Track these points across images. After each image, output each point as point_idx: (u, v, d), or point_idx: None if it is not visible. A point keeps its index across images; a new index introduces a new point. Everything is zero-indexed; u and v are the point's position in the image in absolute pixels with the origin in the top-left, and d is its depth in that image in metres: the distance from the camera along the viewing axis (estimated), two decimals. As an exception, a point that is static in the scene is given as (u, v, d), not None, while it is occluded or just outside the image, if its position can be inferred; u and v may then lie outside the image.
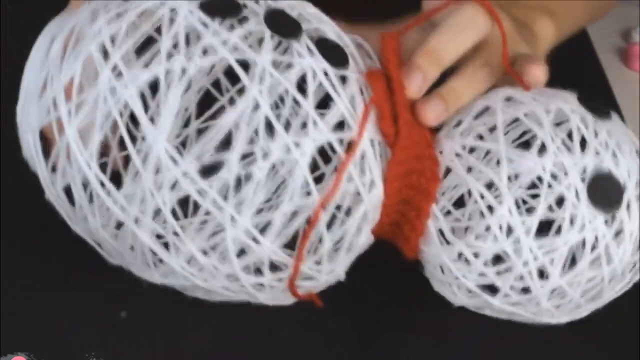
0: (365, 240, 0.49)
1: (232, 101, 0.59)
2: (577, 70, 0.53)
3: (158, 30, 0.46)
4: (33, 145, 0.47)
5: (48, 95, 0.46)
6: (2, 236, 0.56)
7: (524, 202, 0.54)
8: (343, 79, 0.47)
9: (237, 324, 0.53)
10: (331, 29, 0.49)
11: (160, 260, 0.46)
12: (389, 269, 0.53)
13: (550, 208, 0.47)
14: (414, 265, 0.52)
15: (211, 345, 0.53)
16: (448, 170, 0.49)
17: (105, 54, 0.45)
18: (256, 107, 0.44)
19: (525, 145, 0.50)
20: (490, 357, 0.54)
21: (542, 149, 0.47)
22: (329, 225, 0.46)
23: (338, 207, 0.47)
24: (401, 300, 0.55)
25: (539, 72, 0.51)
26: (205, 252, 0.46)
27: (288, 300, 0.49)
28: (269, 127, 0.44)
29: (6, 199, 0.57)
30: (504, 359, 0.54)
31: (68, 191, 0.47)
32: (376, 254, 0.50)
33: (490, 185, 0.47)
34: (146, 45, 0.46)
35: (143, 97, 0.45)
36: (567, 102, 0.49)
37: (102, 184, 0.45)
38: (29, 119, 0.47)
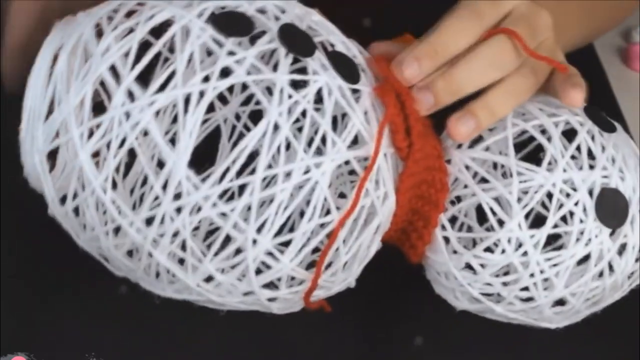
0: (375, 248, 0.49)
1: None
2: (578, 70, 0.52)
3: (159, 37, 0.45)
4: (40, 167, 0.46)
5: (56, 117, 0.45)
6: (2, 236, 0.56)
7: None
8: (356, 94, 0.47)
9: (243, 325, 0.52)
10: (338, 39, 0.48)
11: (174, 275, 0.46)
12: (393, 270, 0.53)
13: (558, 222, 0.48)
14: (416, 267, 0.52)
15: (215, 345, 0.53)
16: (456, 180, 0.50)
17: (116, 74, 0.44)
18: (276, 128, 0.43)
19: (533, 152, 0.50)
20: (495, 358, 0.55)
21: (551, 162, 0.48)
22: (345, 239, 0.46)
23: (354, 221, 0.47)
24: (404, 300, 0.56)
25: (579, 98, 0.49)
26: (223, 271, 0.46)
27: (298, 307, 0.50)
28: (288, 148, 0.44)
29: (6, 199, 0.57)
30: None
31: (76, 209, 0.46)
32: (380, 255, 0.50)
33: (499, 199, 0.48)
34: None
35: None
36: (575, 114, 0.50)
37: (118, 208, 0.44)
38: (35, 140, 0.46)
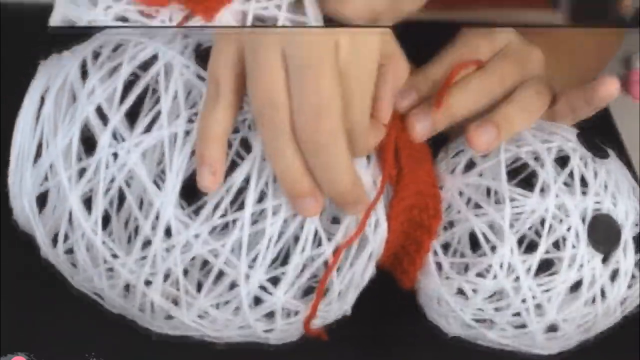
0: (370, 275, 0.49)
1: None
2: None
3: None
4: (30, 210, 0.47)
5: (44, 160, 0.45)
6: (2, 236, 0.56)
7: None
8: None
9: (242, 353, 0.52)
10: None
11: (169, 312, 0.47)
12: (386, 295, 0.54)
13: (550, 247, 0.48)
14: (409, 292, 0.52)
15: (214, 350, 0.54)
16: (450, 206, 0.50)
17: (102, 115, 0.44)
18: (264, 162, 0.44)
19: (526, 178, 0.51)
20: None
21: (544, 188, 0.48)
22: (339, 268, 0.47)
23: (347, 250, 0.47)
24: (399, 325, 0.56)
25: (612, 87, 0.51)
26: (218, 306, 0.46)
27: (294, 337, 0.50)
28: (276, 181, 0.44)
29: (6, 200, 0.58)
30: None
31: (68, 250, 0.47)
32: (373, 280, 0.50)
33: (492, 224, 0.48)
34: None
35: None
36: (568, 140, 0.50)
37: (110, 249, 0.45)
38: (23, 183, 0.47)
